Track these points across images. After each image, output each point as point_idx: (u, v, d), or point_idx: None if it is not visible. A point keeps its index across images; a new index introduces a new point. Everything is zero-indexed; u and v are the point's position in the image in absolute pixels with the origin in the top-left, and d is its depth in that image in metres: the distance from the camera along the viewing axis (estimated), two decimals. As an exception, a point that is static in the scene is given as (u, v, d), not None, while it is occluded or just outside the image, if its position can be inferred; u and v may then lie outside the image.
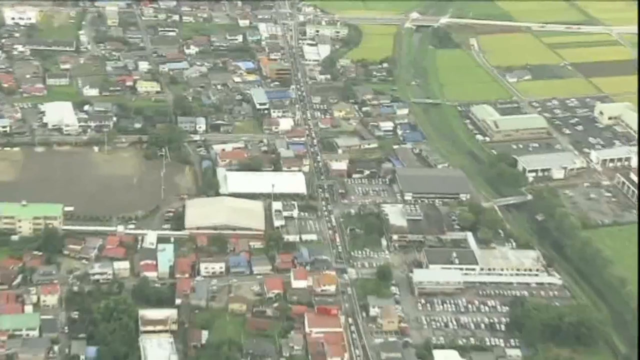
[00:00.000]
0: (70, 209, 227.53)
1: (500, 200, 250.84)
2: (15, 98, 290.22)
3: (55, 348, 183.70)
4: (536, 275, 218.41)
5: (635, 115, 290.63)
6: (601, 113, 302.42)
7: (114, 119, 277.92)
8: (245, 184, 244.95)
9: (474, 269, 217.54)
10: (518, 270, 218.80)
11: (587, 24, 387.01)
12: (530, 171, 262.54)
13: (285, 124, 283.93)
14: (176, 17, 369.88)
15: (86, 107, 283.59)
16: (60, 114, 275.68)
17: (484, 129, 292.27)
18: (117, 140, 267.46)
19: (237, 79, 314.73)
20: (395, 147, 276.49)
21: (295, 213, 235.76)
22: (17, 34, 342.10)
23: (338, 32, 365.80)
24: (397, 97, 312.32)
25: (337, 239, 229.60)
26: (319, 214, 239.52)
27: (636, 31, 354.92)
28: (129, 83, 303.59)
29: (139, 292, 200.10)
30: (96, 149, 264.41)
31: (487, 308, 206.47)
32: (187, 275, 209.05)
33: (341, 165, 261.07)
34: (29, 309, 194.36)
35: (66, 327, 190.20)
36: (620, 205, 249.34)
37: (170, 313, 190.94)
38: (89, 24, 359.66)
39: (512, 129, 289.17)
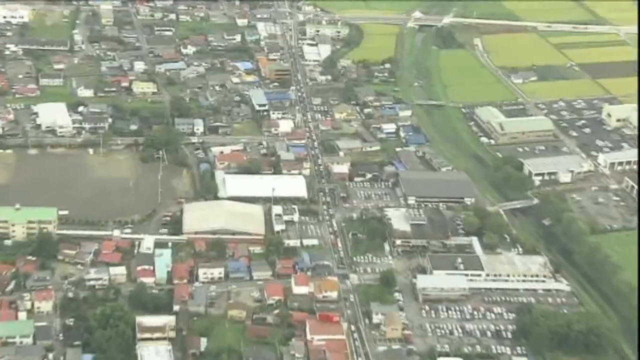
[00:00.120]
0: (65, 212, 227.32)
1: (506, 205, 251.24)
2: (7, 99, 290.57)
3: (50, 356, 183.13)
4: (543, 281, 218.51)
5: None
6: (609, 115, 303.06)
7: (109, 120, 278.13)
8: (244, 188, 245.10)
9: (479, 275, 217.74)
10: (525, 276, 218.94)
11: (595, 23, 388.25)
12: (536, 174, 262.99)
13: (285, 126, 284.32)
14: (173, 16, 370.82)
15: (80, 109, 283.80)
16: (54, 115, 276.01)
17: (488, 131, 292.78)
18: (112, 142, 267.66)
19: (235, 80, 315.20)
20: (398, 149, 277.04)
21: (295, 217, 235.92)
22: (9, 33, 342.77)
23: (339, 32, 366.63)
24: (399, 98, 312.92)
25: (339, 244, 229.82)
26: (320, 219, 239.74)
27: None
28: (125, 84, 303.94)
29: (136, 299, 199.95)
30: (91, 151, 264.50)
31: (493, 315, 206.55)
32: (185, 281, 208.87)
33: (343, 168, 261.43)
34: (22, 315, 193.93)
35: (61, 335, 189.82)
36: (629, 210, 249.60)
37: (168, 320, 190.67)
38: (83, 22, 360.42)
39: (518, 132, 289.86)
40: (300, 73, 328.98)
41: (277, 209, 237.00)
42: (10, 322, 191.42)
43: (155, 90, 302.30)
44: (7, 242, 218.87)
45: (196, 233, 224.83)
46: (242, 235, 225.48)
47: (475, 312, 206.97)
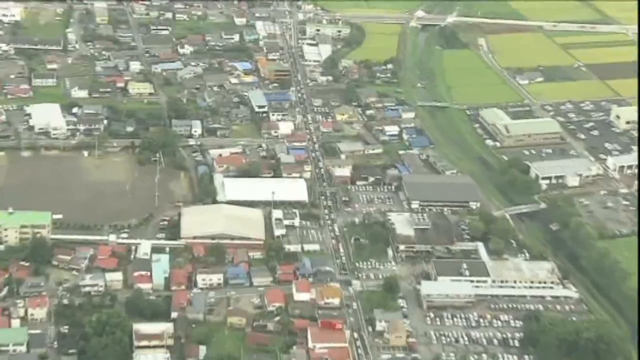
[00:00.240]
0: (59, 217, 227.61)
1: (512, 209, 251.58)
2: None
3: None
4: (551, 288, 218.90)
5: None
6: (618, 117, 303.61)
7: (105, 122, 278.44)
8: (243, 191, 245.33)
9: (485, 281, 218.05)
10: (532, 282, 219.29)
11: (602, 23, 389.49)
12: (543, 178, 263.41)
13: (285, 127, 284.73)
14: (169, 15, 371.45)
15: (75, 110, 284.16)
16: (47, 116, 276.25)
17: (494, 134, 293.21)
18: (108, 144, 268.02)
19: (233, 81, 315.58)
20: (401, 152, 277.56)
21: (296, 222, 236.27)
22: (0, 32, 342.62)
23: (340, 31, 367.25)
24: (402, 99, 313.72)
25: (341, 249, 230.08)
26: (322, 223, 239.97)
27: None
28: (120, 84, 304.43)
29: (133, 305, 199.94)
30: (86, 153, 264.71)
31: (499, 322, 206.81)
32: (183, 287, 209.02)
33: (344, 171, 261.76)
34: (16, 323, 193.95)
35: (55, 342, 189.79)
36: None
37: (165, 327, 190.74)
38: (76, 21, 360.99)
39: (524, 134, 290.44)
40: (301, 73, 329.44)
41: (277, 213, 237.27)
42: (4, 330, 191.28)
43: (152, 91, 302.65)
44: (0, 248, 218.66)
45: (194, 238, 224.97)
46: (241, 240, 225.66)
47: (482, 320, 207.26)
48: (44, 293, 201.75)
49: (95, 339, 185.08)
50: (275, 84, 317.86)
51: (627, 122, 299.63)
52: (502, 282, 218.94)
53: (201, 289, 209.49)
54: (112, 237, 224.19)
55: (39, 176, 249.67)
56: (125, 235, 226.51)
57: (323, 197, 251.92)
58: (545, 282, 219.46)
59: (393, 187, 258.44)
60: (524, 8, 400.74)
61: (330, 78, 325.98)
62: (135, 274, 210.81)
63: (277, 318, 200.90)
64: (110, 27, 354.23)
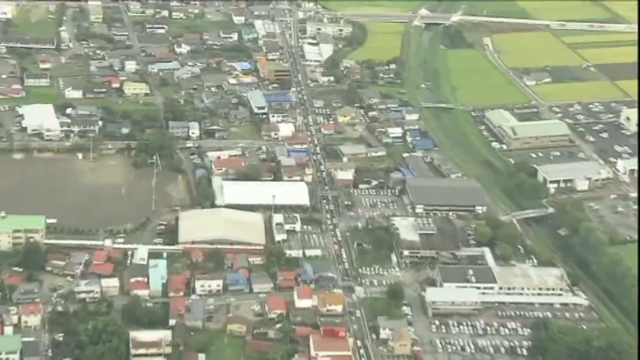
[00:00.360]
0: (53, 221, 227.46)
1: (519, 214, 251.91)
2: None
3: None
4: (560, 295, 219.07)
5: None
6: (628, 119, 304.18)
7: (100, 123, 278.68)
8: (243, 195, 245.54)
9: (492, 288, 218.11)
10: (540, 289, 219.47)
11: (611, 22, 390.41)
12: (551, 182, 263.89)
13: (286, 129, 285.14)
14: (165, 13, 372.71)
15: (69, 111, 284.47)
16: (40, 117, 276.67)
17: (500, 136, 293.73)
18: (103, 146, 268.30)
19: (232, 81, 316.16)
20: (404, 155, 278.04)
21: (297, 226, 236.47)
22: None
23: (341, 31, 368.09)
24: (406, 101, 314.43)
25: (344, 255, 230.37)
26: (324, 228, 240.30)
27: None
28: (115, 84, 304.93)
29: (130, 312, 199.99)
30: (80, 156, 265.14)
31: (507, 330, 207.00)
32: (181, 294, 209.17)
33: (347, 174, 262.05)
34: (8, 330, 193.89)
35: (50, 350, 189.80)
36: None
37: (163, 335, 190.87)
38: (70, 19, 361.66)
39: (532, 136, 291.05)
40: (301, 74, 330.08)
41: (277, 218, 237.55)
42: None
43: (148, 92, 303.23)
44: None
45: (193, 243, 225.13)
46: (241, 245, 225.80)
47: (488, 327, 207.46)
48: (37, 300, 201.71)
49: (90, 347, 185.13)
50: (275, 85, 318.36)
51: (638, 124, 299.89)
52: (509, 288, 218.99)
53: (200, 295, 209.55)
54: (108, 242, 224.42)
55: (32, 179, 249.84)
56: (121, 240, 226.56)
57: (325, 201, 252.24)
58: (553, 289, 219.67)
59: (397, 190, 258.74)
60: (531, 7, 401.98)
61: (331, 78, 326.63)
62: (132, 280, 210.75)
63: (278, 325, 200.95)
64: (105, 26, 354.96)
